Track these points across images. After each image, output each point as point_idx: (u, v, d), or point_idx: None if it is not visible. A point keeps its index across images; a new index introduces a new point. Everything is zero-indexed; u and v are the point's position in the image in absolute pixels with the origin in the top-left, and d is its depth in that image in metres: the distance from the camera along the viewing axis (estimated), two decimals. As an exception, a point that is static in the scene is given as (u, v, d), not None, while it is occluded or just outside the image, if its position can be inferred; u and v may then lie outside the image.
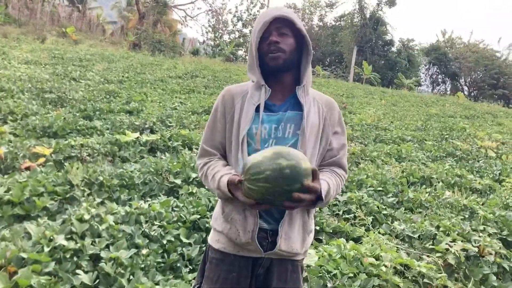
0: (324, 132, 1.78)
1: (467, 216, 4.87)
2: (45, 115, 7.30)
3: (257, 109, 1.71)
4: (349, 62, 29.68)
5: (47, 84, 9.79)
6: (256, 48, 1.71)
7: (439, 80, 35.72)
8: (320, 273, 3.00)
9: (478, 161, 8.31)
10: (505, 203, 5.46)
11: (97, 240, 3.17)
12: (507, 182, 6.70)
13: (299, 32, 1.73)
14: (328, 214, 4.53)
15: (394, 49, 32.33)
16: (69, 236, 3.19)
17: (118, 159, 5.74)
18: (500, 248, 3.87)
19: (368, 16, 31.33)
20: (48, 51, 15.81)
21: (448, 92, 33.02)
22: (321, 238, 3.98)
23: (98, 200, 4.10)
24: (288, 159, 1.44)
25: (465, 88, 34.24)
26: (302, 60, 1.79)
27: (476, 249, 3.76)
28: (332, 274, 3.03)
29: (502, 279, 3.64)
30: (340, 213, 4.62)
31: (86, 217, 3.42)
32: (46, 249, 2.90)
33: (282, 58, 1.69)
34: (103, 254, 2.99)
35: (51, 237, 3.04)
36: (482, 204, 5.39)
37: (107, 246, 3.15)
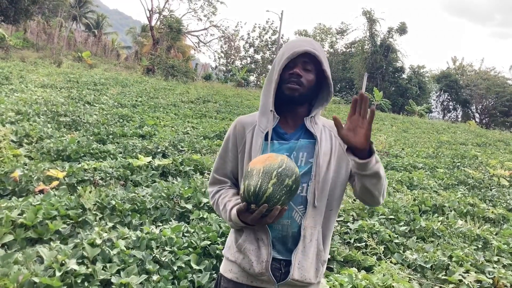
0: (341, 158, 1.76)
1: (480, 246, 4.80)
2: (60, 138, 7.41)
3: (267, 137, 1.73)
4: (360, 88, 29.78)
5: (62, 108, 9.96)
6: (279, 74, 1.73)
7: (450, 107, 35.67)
8: (331, 303, 2.97)
9: (491, 190, 8.21)
10: (519, 233, 5.38)
11: (108, 265, 3.18)
12: (521, 211, 6.61)
13: (322, 72, 1.77)
14: (339, 242, 4.50)
15: (404, 75, 32.47)
16: (80, 260, 3.21)
17: (130, 183, 5.78)
18: (514, 280, 3.80)
19: (378, 43, 31.62)
20: (64, 75, 16.14)
21: (459, 119, 32.91)
22: (332, 266, 3.95)
23: (110, 224, 4.12)
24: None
25: (477, 115, 34.11)
26: (319, 96, 1.83)
27: (491, 281, 3.70)
28: (343, 304, 3.00)
29: (517, 312, 3.57)
30: (352, 241, 4.59)
31: (98, 241, 3.45)
32: (58, 274, 2.92)
33: (299, 92, 1.72)
34: (114, 279, 3.00)
35: (63, 262, 3.06)
36: (496, 234, 5.31)
37: (118, 272, 3.15)
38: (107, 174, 5.73)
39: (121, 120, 10.29)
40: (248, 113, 1.93)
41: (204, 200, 4.99)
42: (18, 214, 3.88)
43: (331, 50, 38.60)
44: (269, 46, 38.11)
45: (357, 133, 1.54)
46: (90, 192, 4.65)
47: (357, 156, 1.57)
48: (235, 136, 1.82)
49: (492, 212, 6.37)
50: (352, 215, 5.21)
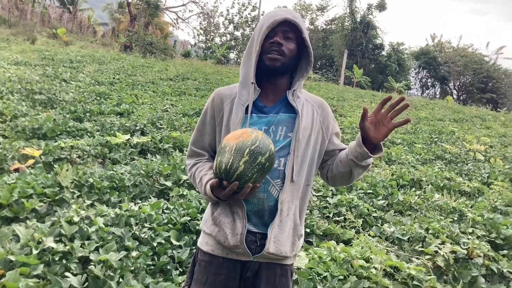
0: (319, 134, 1.78)
1: (456, 218, 4.91)
2: (35, 117, 7.24)
3: (247, 110, 1.70)
4: (340, 66, 29.81)
5: (37, 86, 9.71)
6: (260, 44, 1.69)
7: (429, 84, 35.99)
8: (310, 275, 3.00)
9: (467, 164, 8.38)
10: (493, 206, 5.52)
11: (86, 242, 3.15)
12: (495, 185, 6.77)
13: (303, 41, 1.74)
14: (318, 217, 4.54)
15: (384, 53, 32.54)
16: (58, 238, 3.17)
17: (109, 161, 5.71)
18: (488, 250, 3.91)
19: (358, 20, 31.51)
20: (38, 52, 15.70)
21: (438, 96, 33.29)
22: (311, 240, 3.99)
23: (88, 202, 4.08)
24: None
25: (454, 92, 34.52)
26: (298, 67, 1.80)
27: (465, 252, 3.79)
28: (322, 276, 3.04)
29: (490, 281, 3.67)
30: (331, 215, 4.64)
31: (76, 219, 3.41)
32: (35, 252, 2.88)
33: (281, 61, 1.69)
34: (92, 256, 2.97)
35: (40, 240, 3.02)
36: (471, 207, 5.44)
37: (97, 249, 3.13)
38: (85, 152, 5.65)
39: (98, 98, 10.09)
40: None
41: (184, 177, 4.97)
42: (-7, 193, 3.81)
43: (312, 27, 38.35)
44: (249, 22, 37.67)
45: (378, 129, 1.61)
46: (67, 170, 4.58)
47: (366, 147, 1.63)
48: (213, 108, 1.79)
49: (468, 185, 6.51)
50: (331, 190, 5.26)
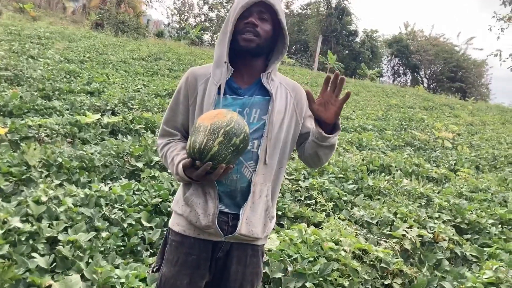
0: (293, 117, 1.77)
1: (423, 203, 5.04)
2: (0, 93, 7.00)
3: (221, 91, 1.68)
4: (314, 51, 29.86)
5: (2, 61, 9.35)
6: (233, 24, 1.66)
7: (400, 71, 36.51)
8: (281, 257, 3.03)
9: (435, 151, 8.60)
10: (459, 192, 5.69)
11: (54, 222, 3.08)
12: (462, 172, 6.97)
13: (278, 23, 1.71)
14: (290, 200, 4.58)
15: (358, 39, 32.75)
16: (24, 218, 3.09)
17: (78, 140, 5.58)
18: (453, 234, 4.04)
19: (334, 5, 31.55)
20: (3, 26, 15.11)
21: (409, 84, 33.83)
22: (282, 223, 4.03)
23: (57, 182, 3.98)
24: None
25: (425, 80, 35.14)
26: (274, 49, 1.78)
27: (431, 236, 3.91)
28: (292, 258, 3.08)
29: (454, 264, 3.80)
30: (302, 198, 4.69)
31: (44, 199, 3.33)
32: (0, 232, 2.80)
33: (256, 42, 1.67)
34: (60, 237, 2.91)
35: (5, 219, 2.93)
36: (438, 193, 5.59)
37: (65, 229, 3.07)
38: (53, 131, 5.50)
39: (68, 76, 9.82)
40: None
41: (156, 158, 4.91)
42: (-45, 171, 3.68)
43: (287, 11, 38.15)
44: (224, 4, 37.22)
45: (328, 109, 1.61)
46: (34, 149, 4.44)
47: (323, 129, 1.64)
48: (186, 88, 1.76)
49: (436, 172, 6.69)
50: (303, 174, 5.30)
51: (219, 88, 1.68)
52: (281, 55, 1.78)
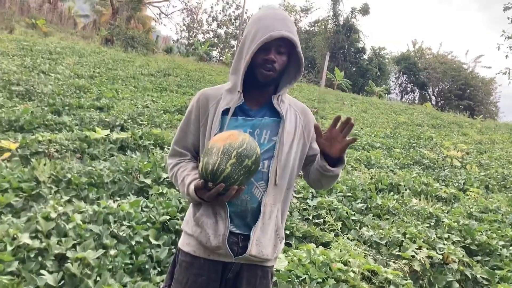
0: (301, 139, 1.80)
1: (432, 223, 4.99)
2: (12, 108, 7.09)
3: (233, 113, 1.70)
4: (322, 68, 29.96)
5: (14, 76, 9.50)
6: (251, 57, 1.67)
7: (408, 89, 36.54)
8: (289, 277, 3.01)
9: (444, 170, 8.53)
10: (468, 212, 5.63)
11: (63, 239, 3.08)
12: (471, 191, 6.90)
13: (293, 49, 1.73)
14: (298, 219, 4.56)
15: (365, 56, 32.91)
16: (34, 234, 3.10)
17: (87, 156, 5.62)
18: (463, 256, 3.98)
19: (341, 23, 31.79)
20: (16, 42, 15.37)
21: (416, 101, 33.81)
22: (290, 242, 4.00)
23: (66, 198, 3.99)
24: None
25: (433, 97, 35.12)
26: (286, 72, 1.79)
27: (441, 257, 3.86)
28: (301, 279, 3.05)
29: (464, 286, 3.74)
30: (310, 217, 4.66)
31: (53, 215, 3.33)
32: (9, 248, 2.81)
33: (272, 76, 1.70)
34: (69, 254, 2.91)
35: (15, 236, 2.94)
36: (447, 213, 5.54)
37: (74, 246, 3.07)
38: (63, 147, 5.54)
39: (77, 91, 9.94)
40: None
41: (164, 175, 4.92)
42: (-34, 186, 3.70)
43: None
44: (233, 21, 37.62)
45: (333, 145, 1.65)
46: (44, 164, 4.48)
47: (328, 160, 1.69)
48: (198, 108, 1.77)
49: (445, 191, 6.63)
50: (312, 192, 5.28)
51: (228, 110, 1.70)
52: (294, 80, 1.81)
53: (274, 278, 2.90)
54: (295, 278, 3.03)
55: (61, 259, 2.94)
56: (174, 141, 1.86)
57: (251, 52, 1.66)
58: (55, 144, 5.54)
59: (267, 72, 1.68)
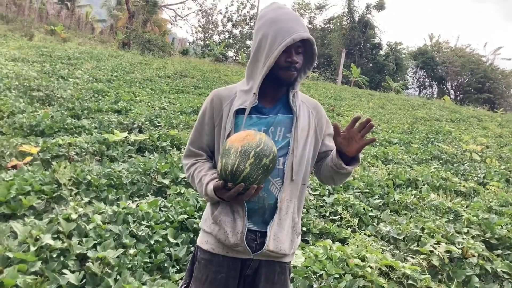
0: (314, 135, 1.82)
1: (451, 218, 4.94)
2: (33, 113, 7.25)
3: (244, 111, 1.73)
4: (338, 65, 29.84)
5: (34, 82, 9.70)
6: (274, 59, 1.68)
7: (426, 83, 36.06)
8: (306, 273, 3.03)
9: (463, 164, 8.42)
10: (488, 206, 5.55)
11: (84, 239, 3.16)
12: (491, 185, 6.81)
13: (311, 51, 1.78)
14: (315, 215, 4.57)
15: (382, 52, 32.59)
16: (55, 235, 3.18)
17: (106, 158, 5.72)
18: (483, 250, 3.94)
19: (357, 19, 31.56)
20: (36, 48, 15.68)
21: (435, 96, 33.36)
22: (307, 239, 4.02)
23: (86, 199, 4.09)
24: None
25: (451, 92, 34.59)
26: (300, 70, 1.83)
27: (460, 251, 3.82)
28: (318, 275, 3.07)
29: (484, 281, 3.70)
30: (327, 214, 4.67)
31: (73, 216, 3.42)
32: (33, 249, 2.89)
33: (295, 76, 1.75)
34: (90, 253, 2.99)
35: (38, 237, 3.03)
36: (466, 207, 5.47)
37: (94, 246, 3.15)
38: (82, 150, 5.66)
39: (96, 95, 10.10)
40: None
41: (181, 175, 4.98)
42: (-10, 190, 3.81)
43: (310, 25, 38.33)
44: (248, 21, 37.68)
45: (350, 144, 1.68)
46: (65, 167, 4.59)
47: (343, 158, 1.73)
48: (211, 109, 1.80)
49: (464, 186, 6.55)
50: (328, 189, 5.29)
51: (243, 110, 1.72)
52: (304, 74, 1.84)
53: (291, 274, 2.93)
54: (312, 274, 3.05)
55: (82, 258, 3.02)
56: (189, 142, 1.89)
57: (275, 56, 1.67)
58: (75, 147, 5.66)
59: (292, 72, 1.72)
